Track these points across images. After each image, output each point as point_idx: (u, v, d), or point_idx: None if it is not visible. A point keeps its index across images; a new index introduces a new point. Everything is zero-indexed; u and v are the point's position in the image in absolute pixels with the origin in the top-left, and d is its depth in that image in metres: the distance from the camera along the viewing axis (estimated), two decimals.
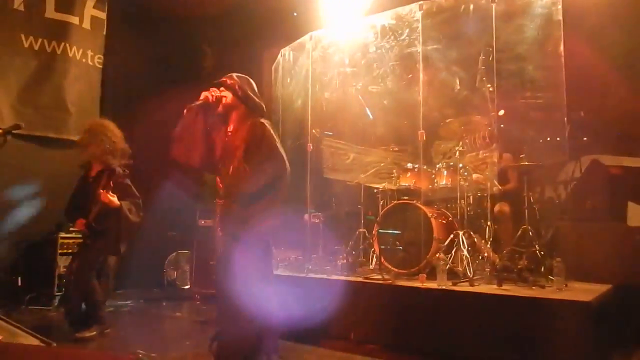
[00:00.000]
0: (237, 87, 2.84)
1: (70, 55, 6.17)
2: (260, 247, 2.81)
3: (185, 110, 2.82)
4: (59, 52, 6.09)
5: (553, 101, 4.47)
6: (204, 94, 2.82)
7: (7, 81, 5.67)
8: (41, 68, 5.95)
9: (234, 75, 2.93)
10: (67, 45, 6.13)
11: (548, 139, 5.13)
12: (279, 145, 2.82)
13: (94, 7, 6.39)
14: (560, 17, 4.23)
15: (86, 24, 6.35)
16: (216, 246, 2.87)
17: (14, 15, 5.77)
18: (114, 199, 3.92)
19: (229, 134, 2.87)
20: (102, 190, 3.88)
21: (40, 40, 5.96)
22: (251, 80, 2.99)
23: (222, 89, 2.86)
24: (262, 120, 2.88)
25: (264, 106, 2.97)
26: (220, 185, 2.87)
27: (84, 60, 6.31)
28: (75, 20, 6.23)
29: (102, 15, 6.45)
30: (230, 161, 2.79)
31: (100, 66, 6.43)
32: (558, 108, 4.34)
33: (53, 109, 6.04)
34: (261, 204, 2.70)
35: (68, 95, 6.12)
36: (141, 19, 6.57)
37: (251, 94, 2.89)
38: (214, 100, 2.81)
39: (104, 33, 6.46)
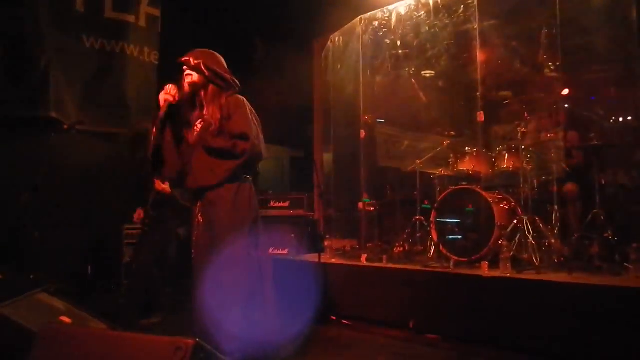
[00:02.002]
0: (202, 67, 2.62)
1: (128, 53, 6.38)
2: (248, 232, 2.60)
3: (152, 127, 2.66)
4: (117, 50, 6.32)
5: (625, 76, 4.15)
6: (162, 98, 2.64)
7: (71, 81, 5.95)
8: (102, 67, 6.19)
9: (198, 51, 2.71)
10: (125, 44, 6.35)
11: (620, 118, 4.79)
12: (256, 124, 2.66)
13: (148, 5, 6.56)
14: None
15: (142, 22, 6.54)
16: (195, 232, 2.68)
17: (75, 17, 6.02)
18: (165, 186, 4.08)
19: (204, 116, 2.67)
20: (155, 180, 4.08)
21: (100, 40, 6.20)
22: (218, 56, 2.76)
23: (186, 69, 2.65)
24: (239, 97, 2.70)
25: (237, 82, 2.75)
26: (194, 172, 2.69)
27: (140, 57, 6.51)
28: (131, 18, 6.43)
29: (157, 12, 6.62)
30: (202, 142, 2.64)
31: (156, 62, 6.61)
32: (631, 83, 4.02)
33: (114, 105, 6.27)
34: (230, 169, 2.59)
35: (127, 92, 6.35)
36: (193, 14, 6.69)
37: (219, 71, 2.66)
38: (176, 97, 2.64)
39: (159, 29, 6.63)
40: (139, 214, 4.37)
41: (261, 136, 2.71)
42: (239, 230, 2.55)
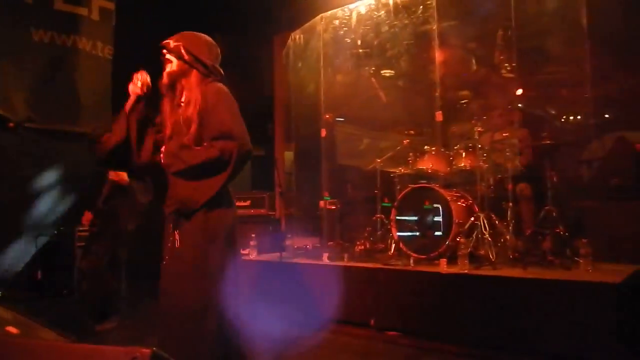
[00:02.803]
0: (182, 50, 2.32)
1: (80, 47, 6.10)
2: (223, 241, 2.36)
3: (118, 121, 2.36)
4: (69, 44, 6.02)
5: (575, 77, 4.31)
6: (130, 89, 2.35)
7: (19, 76, 5.65)
8: (52, 61, 5.89)
9: (180, 34, 2.43)
10: (77, 37, 6.07)
11: (571, 117, 4.98)
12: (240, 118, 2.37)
13: None
14: None
15: (95, 15, 6.26)
16: (170, 238, 2.39)
17: (23, 9, 5.72)
18: (122, 175, 3.91)
19: (181, 105, 2.36)
20: (111, 171, 3.89)
21: (50, 33, 5.90)
22: (202, 38, 2.45)
23: (166, 53, 2.36)
24: (221, 85, 2.40)
25: (221, 70, 2.45)
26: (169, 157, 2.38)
27: (94, 52, 6.24)
28: (84, 11, 6.15)
29: (111, 5, 6.36)
30: (180, 137, 2.32)
31: (110, 57, 6.37)
32: (581, 84, 4.19)
33: (66, 101, 6.00)
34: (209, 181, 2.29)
35: (80, 87, 6.08)
36: (149, 8, 6.49)
37: (202, 57, 2.36)
38: (144, 89, 2.34)
39: (113, 23, 6.39)
40: (87, 216, 4.16)
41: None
42: (214, 240, 2.31)
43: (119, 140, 2.31)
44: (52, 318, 4.29)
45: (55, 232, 5.64)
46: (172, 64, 2.34)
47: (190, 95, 2.32)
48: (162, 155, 2.37)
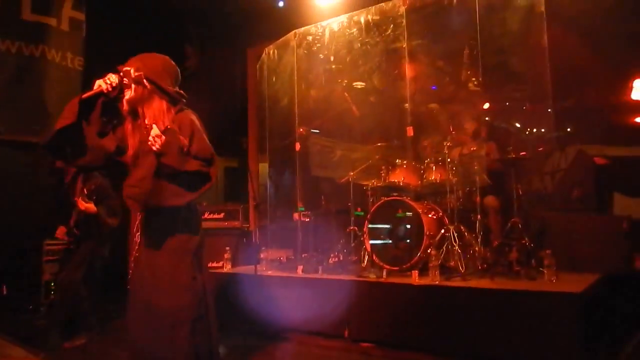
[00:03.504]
0: (144, 81, 2.31)
1: (49, 58, 6.03)
2: (193, 255, 2.43)
3: (71, 104, 2.28)
4: (37, 55, 5.95)
5: (538, 92, 4.50)
6: (97, 83, 2.28)
7: None
8: (19, 72, 5.81)
9: (139, 58, 2.39)
10: (46, 48, 5.99)
11: (534, 130, 5.18)
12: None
13: (72, 8, 6.24)
14: (543, 9, 4.26)
15: (64, 26, 6.20)
16: (134, 252, 2.45)
17: None
18: (89, 205, 3.91)
19: (146, 126, 2.34)
20: (77, 199, 3.91)
21: (17, 43, 5.81)
22: (162, 62, 2.44)
23: (121, 76, 2.32)
24: (189, 113, 2.43)
25: (182, 93, 2.46)
26: (135, 188, 2.40)
27: (63, 63, 6.18)
28: (53, 22, 6.08)
29: (81, 16, 6.31)
30: (150, 160, 2.32)
31: (81, 68, 6.29)
32: (543, 99, 4.38)
33: (33, 113, 5.89)
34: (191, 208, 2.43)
35: (48, 99, 5.99)
36: (120, 19, 6.44)
37: (164, 85, 2.36)
38: (110, 88, 2.27)
39: (84, 35, 6.31)
40: (61, 230, 4.13)
41: None
42: (183, 254, 2.38)
43: (67, 123, 2.24)
44: (19, 334, 4.19)
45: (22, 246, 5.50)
46: (131, 91, 2.33)
47: (157, 121, 2.32)
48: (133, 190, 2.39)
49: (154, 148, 2.20)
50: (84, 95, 2.27)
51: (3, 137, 5.34)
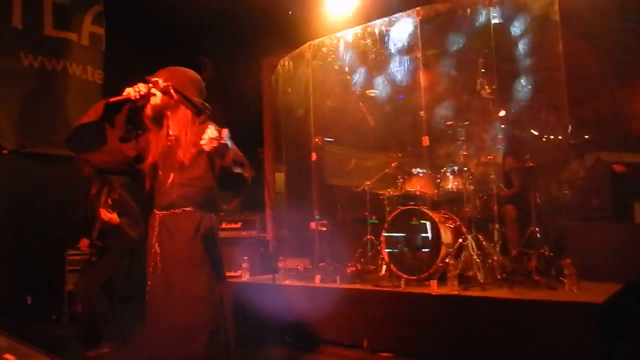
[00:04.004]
0: (171, 91, 2.37)
1: (70, 72, 6.17)
2: (211, 265, 2.43)
3: (96, 105, 2.31)
4: (58, 69, 6.10)
5: (554, 101, 4.50)
6: (126, 90, 2.32)
7: (8, 100, 5.67)
8: (42, 86, 5.95)
9: (168, 71, 2.45)
10: (67, 62, 6.14)
11: (551, 137, 5.16)
12: None
13: (92, 23, 6.38)
14: (558, 17, 4.27)
15: (85, 41, 6.34)
16: (152, 263, 2.42)
17: (13, 34, 5.77)
18: (113, 216, 3.99)
19: (171, 138, 2.41)
20: (101, 210, 3.98)
21: (39, 58, 5.96)
22: (189, 75, 2.50)
23: (150, 87, 2.36)
24: (211, 124, 2.40)
25: (207, 105, 2.49)
26: (188, 188, 2.40)
27: (84, 76, 6.31)
28: (74, 37, 6.23)
29: (101, 31, 6.44)
30: (177, 168, 2.38)
31: (101, 82, 6.43)
32: (559, 107, 4.38)
33: (55, 126, 6.02)
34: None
35: (69, 112, 6.12)
36: (139, 32, 6.57)
37: (191, 96, 2.40)
38: (138, 97, 2.32)
39: (103, 49, 6.46)
40: (84, 242, 4.23)
41: None
42: (201, 264, 2.37)
43: (91, 120, 2.28)
44: (43, 343, 4.26)
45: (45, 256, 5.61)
46: (156, 98, 2.37)
47: (182, 131, 2.38)
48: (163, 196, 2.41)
49: (206, 148, 2.24)
50: (111, 100, 2.32)
51: (26, 150, 5.46)
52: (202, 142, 2.24)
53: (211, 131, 2.26)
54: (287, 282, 4.82)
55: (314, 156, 5.01)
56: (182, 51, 7.08)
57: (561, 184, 4.91)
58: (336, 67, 5.45)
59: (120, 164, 2.43)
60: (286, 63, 5.67)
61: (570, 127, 4.47)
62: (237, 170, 2.36)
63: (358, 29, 5.11)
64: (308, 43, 5.29)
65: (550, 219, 4.43)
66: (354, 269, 4.71)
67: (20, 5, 5.75)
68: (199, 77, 2.55)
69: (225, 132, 2.33)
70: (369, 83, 5.49)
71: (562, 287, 3.52)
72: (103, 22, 6.46)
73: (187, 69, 2.54)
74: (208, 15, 6.70)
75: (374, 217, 5.08)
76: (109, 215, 3.97)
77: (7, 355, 3.05)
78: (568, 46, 4.26)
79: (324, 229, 5.31)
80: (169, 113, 2.41)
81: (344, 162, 6.13)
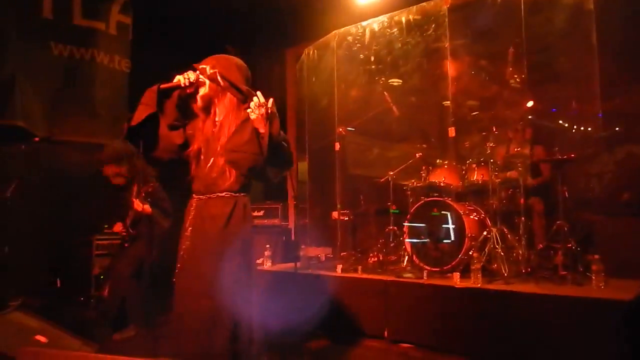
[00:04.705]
0: (218, 78, 2.39)
1: (98, 61, 6.28)
2: (241, 255, 2.43)
3: (150, 91, 2.36)
4: (87, 58, 6.21)
5: (585, 91, 4.38)
6: (177, 78, 2.38)
7: (38, 89, 5.81)
8: (71, 75, 6.07)
9: (214, 58, 2.46)
10: (95, 51, 6.25)
11: (581, 128, 5.03)
12: None
13: (119, 12, 6.46)
14: (592, 7, 4.13)
15: (112, 30, 6.44)
16: (183, 247, 2.45)
17: (43, 24, 5.89)
18: (146, 207, 4.09)
19: (216, 124, 2.45)
20: (134, 199, 4.09)
21: (69, 47, 6.07)
22: (235, 63, 2.49)
23: (199, 75, 2.41)
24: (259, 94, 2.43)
25: (254, 93, 2.45)
26: (237, 153, 2.38)
27: (111, 65, 6.42)
28: (102, 26, 6.33)
29: (128, 20, 6.53)
30: (218, 153, 2.40)
31: (128, 70, 6.52)
32: (590, 98, 4.26)
33: (83, 114, 6.16)
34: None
35: (98, 100, 6.25)
36: (165, 22, 6.63)
37: (237, 83, 2.42)
38: (187, 84, 2.37)
39: (130, 38, 6.54)
40: (118, 225, 4.37)
41: None
42: (229, 255, 2.36)
43: (150, 112, 2.34)
44: (71, 325, 4.40)
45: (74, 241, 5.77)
46: (205, 87, 2.41)
47: (228, 118, 2.41)
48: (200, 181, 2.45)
49: (252, 116, 2.26)
50: (163, 85, 2.36)
51: (58, 138, 5.59)
52: (248, 110, 2.26)
53: (257, 99, 2.26)
54: (309, 270, 4.84)
55: (337, 146, 5.00)
56: (207, 40, 7.13)
57: (590, 177, 4.79)
58: (361, 56, 5.39)
59: (169, 152, 2.46)
60: (311, 52, 5.64)
61: (601, 119, 4.35)
62: (284, 142, 2.36)
63: (384, 18, 5.03)
64: (333, 32, 5.25)
65: (578, 213, 4.32)
66: (375, 259, 4.70)
67: None
68: (245, 64, 2.55)
69: (271, 101, 2.33)
70: (394, 73, 5.42)
71: (589, 283, 3.44)
72: (130, 11, 6.54)
73: (233, 57, 2.54)
74: (233, 4, 6.72)
75: (394, 207, 5.02)
76: (142, 206, 4.07)
77: (39, 337, 3.17)
78: (602, 36, 4.13)
79: (346, 218, 5.31)
80: (216, 100, 2.44)
81: (367, 152, 6.10)
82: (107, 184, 4.52)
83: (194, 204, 2.46)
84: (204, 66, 2.41)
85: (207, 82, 2.40)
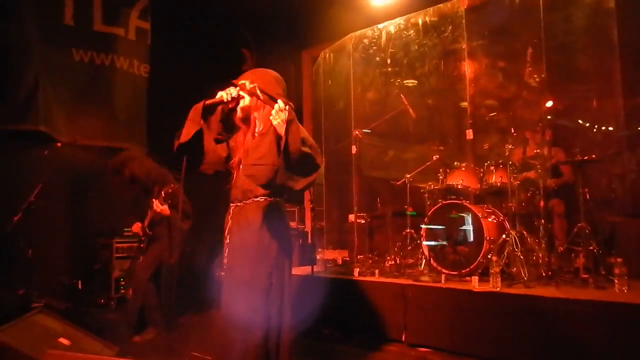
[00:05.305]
0: (258, 92, 2.50)
1: (118, 66, 6.39)
2: (275, 256, 2.52)
3: (195, 108, 2.47)
4: (107, 63, 6.32)
5: (606, 89, 4.31)
6: (219, 94, 2.51)
7: (60, 94, 5.92)
8: (91, 80, 6.18)
9: (252, 73, 2.59)
10: (115, 56, 6.35)
11: (603, 127, 4.93)
12: None
13: (138, 18, 6.57)
14: (613, 4, 4.07)
15: (131, 35, 6.54)
16: (224, 254, 2.56)
17: (65, 31, 6.01)
18: (164, 208, 4.08)
19: (255, 135, 2.57)
20: (154, 200, 4.08)
21: (89, 53, 6.19)
22: (273, 76, 2.61)
23: (239, 90, 2.53)
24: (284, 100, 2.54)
25: (292, 105, 2.57)
26: (256, 167, 2.51)
27: (130, 70, 6.52)
28: (121, 31, 6.43)
29: (147, 25, 6.63)
30: (270, 139, 2.48)
31: (146, 75, 6.62)
32: (612, 96, 4.19)
33: (103, 118, 6.27)
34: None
35: (117, 105, 6.36)
36: (182, 26, 6.71)
37: (276, 94, 2.50)
38: (230, 99, 2.49)
39: (149, 43, 6.64)
40: (137, 225, 4.39)
41: None
42: (263, 259, 2.47)
43: (197, 129, 2.45)
44: (92, 327, 4.47)
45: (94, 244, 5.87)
46: (245, 100, 2.53)
47: (267, 129, 2.48)
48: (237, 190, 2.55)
49: (274, 122, 2.30)
50: (208, 102, 2.49)
51: (79, 143, 5.69)
52: (270, 117, 2.32)
53: (278, 105, 2.31)
54: (327, 274, 4.84)
55: (354, 149, 4.99)
56: (224, 42, 7.19)
57: (612, 177, 4.69)
58: (378, 59, 5.38)
59: (215, 164, 2.61)
60: (327, 55, 5.65)
61: (623, 117, 4.27)
62: (306, 149, 2.38)
63: (401, 20, 5.01)
64: (350, 35, 5.25)
65: (600, 215, 4.24)
66: (392, 262, 4.68)
67: (72, 3, 5.98)
68: (281, 77, 2.67)
69: (291, 105, 2.40)
70: (411, 75, 5.40)
71: (611, 286, 3.38)
72: (149, 16, 6.64)
73: (269, 70, 2.68)
74: (249, 8, 6.76)
75: (410, 209, 4.99)
76: (161, 207, 4.07)
77: (62, 339, 3.23)
78: (623, 34, 4.05)
79: (362, 221, 5.30)
80: (255, 113, 2.57)
81: (383, 154, 6.08)
82: (127, 186, 4.59)
83: (231, 212, 2.58)
84: (244, 81, 2.53)
85: (247, 96, 2.52)
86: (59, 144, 5.11)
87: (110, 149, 6.16)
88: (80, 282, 5.73)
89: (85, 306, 5.50)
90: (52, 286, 5.60)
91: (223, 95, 2.48)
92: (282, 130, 2.31)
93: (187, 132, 2.45)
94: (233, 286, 2.48)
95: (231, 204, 2.59)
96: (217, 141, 2.58)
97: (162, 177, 4.25)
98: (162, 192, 4.07)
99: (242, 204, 2.53)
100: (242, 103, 2.53)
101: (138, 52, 6.58)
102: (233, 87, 2.51)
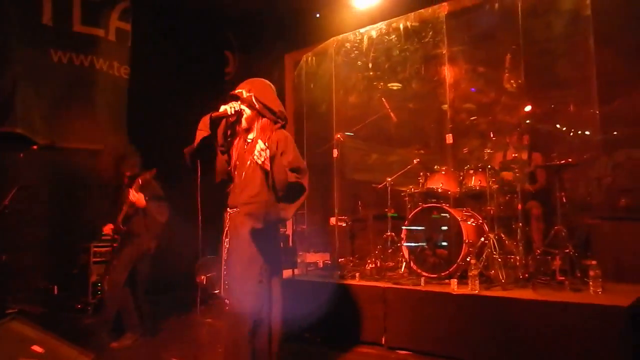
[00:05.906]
0: (253, 101, 2.66)
1: (98, 67, 6.31)
2: (265, 259, 2.68)
3: (204, 119, 2.61)
4: (86, 65, 6.24)
5: (583, 95, 4.39)
6: (223, 107, 2.64)
7: (39, 95, 5.83)
8: (70, 81, 6.09)
9: (250, 83, 2.74)
10: (94, 58, 6.27)
11: (579, 132, 5.02)
12: None
13: (119, 19, 6.50)
14: (589, 12, 4.15)
15: (112, 36, 6.47)
16: (223, 256, 2.77)
17: (43, 31, 5.92)
18: (140, 196, 4.01)
19: (248, 142, 2.72)
20: (129, 189, 4.00)
21: (68, 54, 6.10)
22: (268, 86, 2.80)
23: (240, 104, 2.68)
24: (286, 132, 2.76)
25: (284, 114, 2.79)
26: (251, 205, 2.66)
27: (110, 72, 6.44)
28: (101, 32, 6.36)
29: (127, 27, 6.56)
30: (259, 176, 2.63)
31: (127, 77, 6.55)
32: (588, 102, 4.27)
33: (83, 120, 6.17)
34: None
35: (97, 106, 6.27)
36: (164, 29, 6.66)
37: (271, 105, 2.70)
38: (233, 112, 2.63)
39: (129, 44, 6.57)
40: (108, 226, 4.27)
41: None
42: (254, 260, 2.61)
43: (206, 135, 2.59)
44: (69, 334, 4.38)
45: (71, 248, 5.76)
46: (246, 112, 2.67)
47: (260, 136, 2.64)
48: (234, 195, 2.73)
49: (259, 161, 2.48)
50: (214, 114, 2.61)
51: (57, 145, 5.60)
52: (255, 156, 2.50)
53: (260, 144, 2.49)
54: (307, 277, 4.83)
55: (335, 152, 5.00)
56: (206, 45, 7.16)
57: (589, 181, 4.78)
58: (360, 63, 5.42)
59: (222, 173, 2.77)
60: (309, 59, 5.67)
61: (599, 123, 4.35)
62: (292, 179, 2.57)
63: (382, 25, 5.06)
64: (332, 38, 5.28)
65: (577, 218, 4.32)
66: (373, 265, 4.69)
67: (50, 3, 5.89)
68: (272, 85, 2.84)
69: (285, 117, 2.68)
70: (393, 79, 5.44)
71: (586, 288, 3.43)
72: (129, 18, 6.57)
73: (264, 80, 2.85)
74: (233, 11, 6.75)
75: (392, 211, 5.00)
76: (137, 196, 3.99)
77: (35, 347, 3.15)
78: (599, 41, 4.14)
79: (343, 224, 5.30)
80: (254, 123, 2.71)
81: (365, 157, 6.10)
82: (106, 187, 4.51)
83: (228, 216, 2.73)
84: (240, 90, 2.69)
85: (247, 110, 2.66)
86: (35, 147, 5.01)
87: (89, 152, 6.08)
88: (56, 286, 5.63)
89: (62, 311, 5.40)
90: (29, 291, 5.50)
91: (227, 109, 2.60)
92: (267, 166, 2.51)
93: (198, 138, 2.59)
94: (230, 287, 2.69)
95: (228, 209, 2.74)
96: (222, 152, 2.74)
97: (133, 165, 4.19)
98: (139, 180, 3.98)
99: (236, 211, 2.69)
100: (245, 114, 2.66)
101: (118, 54, 6.50)
102: (235, 101, 2.64)
